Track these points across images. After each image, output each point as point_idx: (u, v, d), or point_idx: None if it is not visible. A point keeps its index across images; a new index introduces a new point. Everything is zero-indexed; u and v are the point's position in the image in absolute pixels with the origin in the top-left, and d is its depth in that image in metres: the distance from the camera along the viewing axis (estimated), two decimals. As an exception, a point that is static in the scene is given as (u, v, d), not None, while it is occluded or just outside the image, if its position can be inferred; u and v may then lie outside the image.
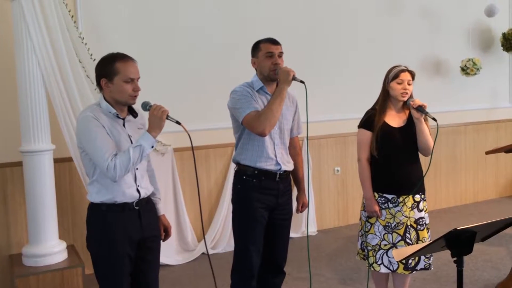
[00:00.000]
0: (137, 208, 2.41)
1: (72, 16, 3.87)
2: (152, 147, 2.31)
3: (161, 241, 2.64)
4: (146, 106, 2.39)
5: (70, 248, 3.93)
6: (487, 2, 5.90)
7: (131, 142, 2.37)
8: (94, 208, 2.40)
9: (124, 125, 2.40)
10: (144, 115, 2.53)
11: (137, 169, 2.41)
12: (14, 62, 3.62)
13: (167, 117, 2.33)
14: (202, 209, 4.79)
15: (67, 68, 3.73)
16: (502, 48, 6.20)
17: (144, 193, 2.44)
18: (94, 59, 3.90)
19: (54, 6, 3.67)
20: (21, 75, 3.56)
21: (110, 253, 2.37)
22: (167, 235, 2.68)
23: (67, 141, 3.77)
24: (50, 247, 3.64)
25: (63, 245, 3.77)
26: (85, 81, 3.85)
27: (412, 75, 2.99)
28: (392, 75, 2.96)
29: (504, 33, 6.13)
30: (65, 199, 4.17)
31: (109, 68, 2.32)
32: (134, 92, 2.34)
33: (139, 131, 2.43)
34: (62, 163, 4.08)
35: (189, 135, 2.39)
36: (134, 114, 2.47)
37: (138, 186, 2.41)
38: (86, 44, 3.89)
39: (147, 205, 2.49)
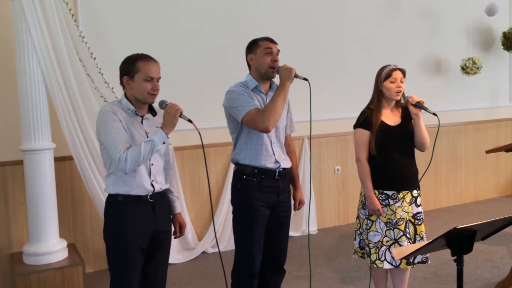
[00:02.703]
0: (152, 200, 2.47)
1: (73, 15, 3.88)
2: (164, 143, 2.39)
3: (174, 238, 2.71)
4: (162, 104, 2.46)
5: (71, 247, 3.93)
6: (488, 1, 5.90)
7: None
8: (111, 199, 2.48)
9: (142, 122, 2.49)
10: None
11: (152, 164, 2.49)
12: (15, 61, 3.62)
13: (181, 115, 2.41)
14: (202, 209, 4.82)
15: (68, 66, 3.74)
16: (502, 47, 6.20)
17: (159, 188, 2.51)
18: (95, 58, 3.91)
19: (55, 5, 3.68)
20: (21, 74, 3.57)
21: (123, 244, 2.42)
22: (181, 233, 2.74)
23: (68, 139, 3.77)
24: (50, 246, 3.65)
25: (63, 243, 3.77)
26: (85, 79, 3.85)
27: (403, 72, 3.03)
28: (385, 75, 3.00)
29: (505, 32, 6.12)
30: (65, 198, 4.17)
31: (131, 66, 2.43)
32: (152, 91, 2.44)
33: (156, 129, 2.50)
34: (62, 161, 4.08)
35: (199, 133, 2.45)
36: (153, 113, 2.56)
37: (153, 180, 2.49)
38: (86, 43, 3.90)
39: (162, 199, 2.56)
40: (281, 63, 2.82)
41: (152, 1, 4.47)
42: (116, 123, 2.37)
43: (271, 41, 2.84)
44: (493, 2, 5.83)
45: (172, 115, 2.38)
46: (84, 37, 3.90)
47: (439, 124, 2.92)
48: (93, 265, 4.29)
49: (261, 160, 2.80)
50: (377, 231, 3.00)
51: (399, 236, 2.97)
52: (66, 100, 3.74)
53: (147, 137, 2.45)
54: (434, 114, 2.89)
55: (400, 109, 3.10)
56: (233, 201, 2.92)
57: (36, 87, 3.57)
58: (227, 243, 4.72)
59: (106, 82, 3.93)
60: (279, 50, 2.84)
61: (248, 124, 2.73)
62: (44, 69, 3.60)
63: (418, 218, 3.05)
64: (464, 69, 5.90)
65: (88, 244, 4.28)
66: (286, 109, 2.99)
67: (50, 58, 3.63)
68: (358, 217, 3.15)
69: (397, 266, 2.98)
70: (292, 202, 3.08)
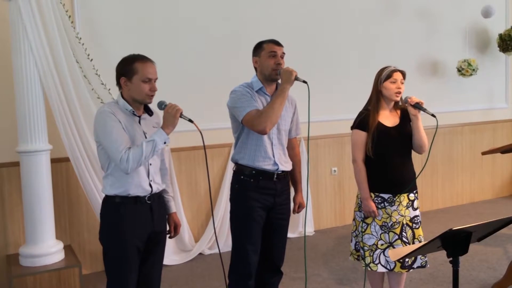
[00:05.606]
0: (149, 202, 2.48)
1: (70, 16, 3.88)
2: (165, 143, 2.40)
3: (169, 238, 2.71)
4: (161, 105, 2.48)
5: (67, 248, 3.93)
6: (484, 3, 5.92)
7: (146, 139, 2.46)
8: (108, 201, 2.48)
9: (140, 122, 2.51)
10: (159, 115, 2.61)
11: (150, 164, 2.50)
12: (11, 62, 3.62)
13: (181, 115, 2.43)
14: (199, 210, 4.81)
15: (64, 68, 3.73)
16: (498, 49, 6.22)
17: (156, 188, 2.53)
18: (92, 59, 3.91)
19: (52, 6, 3.67)
20: (18, 75, 3.56)
21: (120, 245, 2.42)
22: (176, 232, 2.74)
23: (64, 141, 3.77)
24: (47, 247, 3.64)
25: (60, 245, 3.77)
26: (82, 81, 3.85)
27: (403, 74, 3.04)
28: (385, 75, 3.00)
29: (501, 34, 6.14)
30: (62, 199, 4.16)
31: (129, 68, 2.43)
32: (151, 92, 2.46)
33: (154, 129, 2.53)
34: (59, 163, 4.07)
35: (201, 132, 2.48)
36: (149, 112, 2.58)
37: (151, 181, 2.50)
38: (83, 44, 3.90)
39: (159, 200, 2.57)
40: None
41: (150, 2, 4.47)
42: (116, 124, 2.38)
43: (276, 43, 2.84)
44: (489, 4, 5.86)
45: (172, 115, 2.40)
46: (81, 38, 3.89)
47: (437, 125, 2.92)
48: (90, 267, 4.28)
49: (259, 161, 2.81)
50: (372, 234, 3.00)
51: (394, 239, 2.97)
52: (62, 101, 3.74)
53: (145, 137, 2.47)
54: (433, 115, 2.88)
55: (398, 111, 3.09)
56: (231, 200, 2.95)
57: (32, 89, 3.56)
58: (224, 245, 4.71)
59: (103, 84, 3.93)
60: (284, 53, 2.85)
61: (247, 125, 2.75)
62: (41, 70, 3.59)
63: (416, 221, 3.03)
64: (459, 70, 5.92)
65: (84, 246, 4.28)
66: (292, 112, 3.00)
67: (47, 59, 3.63)
68: (354, 219, 3.15)
69: (391, 270, 2.98)
70: (292, 204, 3.09)
